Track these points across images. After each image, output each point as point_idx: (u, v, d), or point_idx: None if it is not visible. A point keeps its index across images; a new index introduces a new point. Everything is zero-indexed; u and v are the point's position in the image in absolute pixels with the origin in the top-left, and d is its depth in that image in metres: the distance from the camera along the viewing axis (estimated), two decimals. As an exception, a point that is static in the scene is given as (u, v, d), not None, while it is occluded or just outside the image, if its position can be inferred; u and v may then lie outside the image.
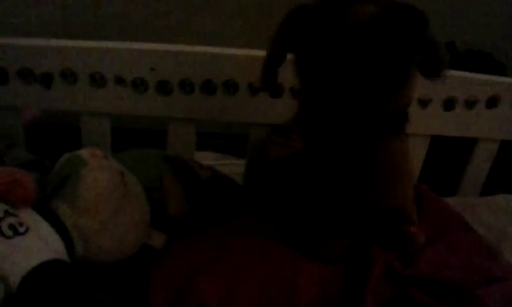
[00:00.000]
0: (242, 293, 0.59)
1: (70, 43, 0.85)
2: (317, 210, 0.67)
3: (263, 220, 0.73)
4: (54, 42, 0.84)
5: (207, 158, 1.23)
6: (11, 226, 0.54)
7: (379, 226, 0.68)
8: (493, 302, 0.56)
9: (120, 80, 0.86)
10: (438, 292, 0.59)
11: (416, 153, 1.02)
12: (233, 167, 1.12)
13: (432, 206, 0.78)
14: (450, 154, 1.13)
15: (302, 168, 0.69)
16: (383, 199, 0.63)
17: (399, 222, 0.68)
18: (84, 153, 0.63)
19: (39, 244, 0.55)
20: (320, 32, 0.53)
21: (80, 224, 0.60)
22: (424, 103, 0.96)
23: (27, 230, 0.55)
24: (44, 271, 0.54)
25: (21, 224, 0.55)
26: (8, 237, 0.53)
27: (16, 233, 0.54)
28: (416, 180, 0.99)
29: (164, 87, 0.88)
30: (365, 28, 0.50)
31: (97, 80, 0.85)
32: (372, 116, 0.56)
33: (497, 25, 1.68)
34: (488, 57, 1.59)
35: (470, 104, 0.99)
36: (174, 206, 0.74)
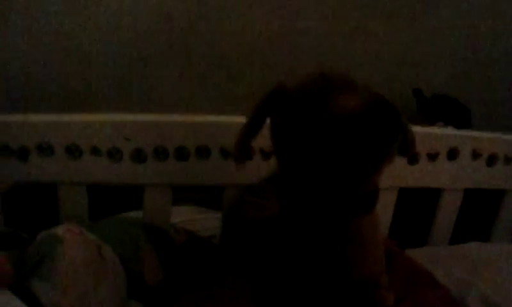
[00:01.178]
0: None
1: (44, 117, 0.87)
2: (293, 278, 0.69)
3: (240, 284, 0.74)
4: (29, 117, 0.87)
5: (183, 213, 1.24)
6: (-12, 310, 0.55)
7: (350, 292, 0.70)
8: None
9: (95, 151, 0.88)
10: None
11: (386, 206, 1.06)
12: (210, 221, 1.14)
13: (402, 266, 0.82)
14: (418, 206, 1.17)
15: (278, 235, 0.72)
16: (356, 269, 0.67)
17: (370, 287, 0.71)
18: (59, 230, 0.65)
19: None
20: (302, 119, 0.57)
21: (58, 302, 0.61)
22: (388, 158, 1.01)
23: (4, 313, 0.56)
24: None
25: (-3, 307, 0.56)
26: (-16, 321, 0.54)
27: (-7, 316, 0.55)
28: (387, 232, 1.02)
29: (138, 156, 0.90)
30: (349, 122, 0.54)
31: (73, 152, 0.87)
32: (346, 196, 0.60)
33: (462, 70, 1.77)
34: (454, 101, 1.67)
35: (432, 157, 1.04)
36: (150, 275, 0.75)
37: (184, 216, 1.08)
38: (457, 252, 0.98)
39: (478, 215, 1.19)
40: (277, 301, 0.69)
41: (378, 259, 0.71)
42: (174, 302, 0.72)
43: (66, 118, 0.87)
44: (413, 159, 1.03)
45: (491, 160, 1.09)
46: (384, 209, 1.06)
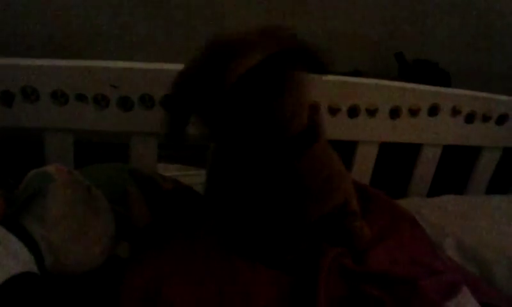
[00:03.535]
0: (205, 296, 0.62)
1: (30, 61, 0.86)
2: (264, 220, 0.72)
3: (222, 228, 0.76)
4: (13, 60, 0.86)
5: (169, 170, 1.26)
6: (-20, 242, 0.56)
7: (325, 224, 0.73)
8: (433, 292, 0.62)
9: (81, 97, 0.88)
10: (387, 285, 0.64)
11: (367, 159, 1.09)
12: (194, 177, 1.15)
13: (382, 206, 0.85)
14: (398, 159, 1.20)
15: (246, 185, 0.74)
16: (320, 206, 0.70)
17: (342, 216, 0.74)
18: (50, 169, 0.65)
19: (9, 257, 0.57)
20: (208, 92, 0.58)
21: (49, 238, 0.62)
22: (371, 112, 1.03)
23: (-4, 245, 0.57)
24: (14, 284, 0.56)
25: (-10, 240, 0.57)
26: (-24, 252, 0.55)
27: (-15, 248, 0.56)
28: (368, 184, 1.06)
29: (125, 103, 0.90)
30: (237, 85, 0.56)
31: (59, 98, 0.87)
32: (279, 141, 0.63)
33: (443, 35, 1.80)
34: (434, 66, 1.69)
35: (413, 112, 1.07)
36: (138, 217, 0.76)
37: (168, 173, 1.09)
38: (434, 203, 1.02)
39: (454, 169, 1.23)
40: (256, 245, 0.72)
41: (341, 185, 0.74)
42: (159, 243, 0.73)
43: (51, 62, 0.86)
44: (394, 114, 1.06)
45: (470, 118, 1.13)
46: (366, 162, 1.09)
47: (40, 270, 0.61)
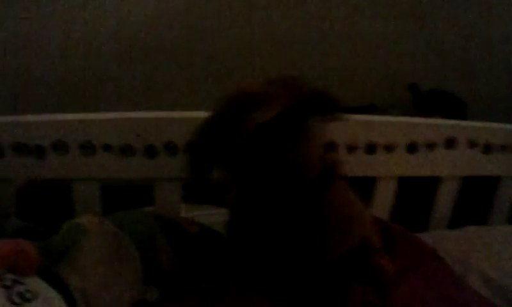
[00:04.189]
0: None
1: (59, 116, 0.91)
2: (286, 263, 0.74)
3: (246, 275, 0.78)
4: (44, 117, 0.91)
5: (191, 210, 1.28)
6: (19, 294, 0.59)
7: (350, 263, 0.75)
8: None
9: (108, 148, 0.92)
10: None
11: (386, 194, 1.10)
12: (216, 216, 1.17)
13: (405, 241, 0.86)
14: (418, 193, 1.21)
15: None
16: (341, 244, 0.72)
17: (365, 253, 0.75)
18: (84, 221, 0.68)
19: (46, 308, 0.60)
20: (227, 140, 0.62)
21: (83, 287, 0.64)
22: (389, 148, 1.05)
23: (34, 297, 0.59)
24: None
25: (28, 291, 0.60)
26: (17, 304, 0.58)
27: (25, 300, 0.59)
28: (389, 220, 1.07)
29: (149, 151, 0.94)
30: (255, 135, 0.60)
31: (87, 149, 0.91)
32: (296, 186, 0.65)
33: (457, 65, 1.82)
34: (450, 96, 1.70)
35: (430, 146, 1.08)
36: (167, 261, 0.79)
37: (190, 213, 1.11)
38: (457, 235, 1.02)
39: (475, 200, 1.23)
40: (274, 289, 0.73)
41: (361, 229, 0.76)
42: (188, 288, 0.75)
43: (80, 116, 0.91)
44: (412, 149, 1.08)
45: (487, 149, 1.13)
46: (385, 197, 1.10)
47: (74, 319, 0.64)
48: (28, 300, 0.59)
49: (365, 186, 1.04)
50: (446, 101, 1.71)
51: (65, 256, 0.65)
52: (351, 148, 1.03)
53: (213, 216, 1.18)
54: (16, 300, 0.58)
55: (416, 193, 1.19)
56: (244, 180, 0.67)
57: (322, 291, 0.73)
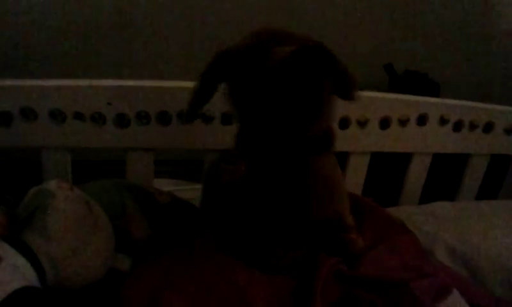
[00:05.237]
0: (204, 302, 0.64)
1: (28, 82, 0.89)
2: (263, 226, 0.74)
3: (219, 239, 0.78)
4: (11, 82, 0.88)
5: (165, 185, 1.27)
6: (-17, 259, 0.58)
7: (322, 236, 0.76)
8: (423, 294, 0.64)
9: (78, 116, 0.90)
10: (379, 289, 0.66)
11: (359, 169, 1.12)
12: (190, 192, 1.17)
13: (374, 215, 0.87)
14: (390, 169, 1.23)
15: (248, 189, 0.76)
16: (319, 209, 0.73)
17: (338, 230, 0.77)
18: (51, 185, 0.67)
19: (11, 273, 0.59)
20: (247, 70, 0.62)
21: (50, 252, 0.63)
22: (362, 123, 1.06)
23: (-1, 261, 0.58)
24: (16, 298, 0.57)
25: (-7, 256, 0.58)
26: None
27: (-11, 264, 0.57)
28: (360, 194, 1.08)
29: (121, 120, 0.93)
30: (280, 66, 0.59)
31: (57, 117, 0.89)
32: (297, 138, 0.66)
33: (432, 46, 1.84)
34: (424, 77, 1.73)
35: (403, 122, 1.10)
36: (137, 230, 0.78)
37: (165, 187, 1.11)
38: (426, 210, 1.04)
39: (445, 178, 1.26)
40: (254, 252, 0.74)
41: (341, 201, 0.77)
42: (159, 256, 0.75)
43: (49, 83, 0.89)
44: (385, 125, 1.09)
45: (458, 126, 1.16)
46: (358, 172, 1.12)
47: (41, 285, 0.63)
48: (-8, 265, 0.58)
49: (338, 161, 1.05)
50: (420, 82, 1.73)
51: (32, 221, 0.64)
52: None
53: (187, 192, 1.18)
54: (-20, 265, 0.57)
55: (388, 169, 1.21)
56: (248, 115, 0.67)
57: (295, 258, 0.74)
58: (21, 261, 0.62)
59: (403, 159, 1.17)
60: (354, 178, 1.12)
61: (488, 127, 1.18)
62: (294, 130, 0.65)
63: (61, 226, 0.64)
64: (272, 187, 0.72)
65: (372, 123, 1.08)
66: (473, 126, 1.17)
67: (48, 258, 0.64)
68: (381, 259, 0.75)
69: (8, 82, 0.88)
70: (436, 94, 1.67)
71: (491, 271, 0.83)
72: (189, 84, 0.93)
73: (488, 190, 1.27)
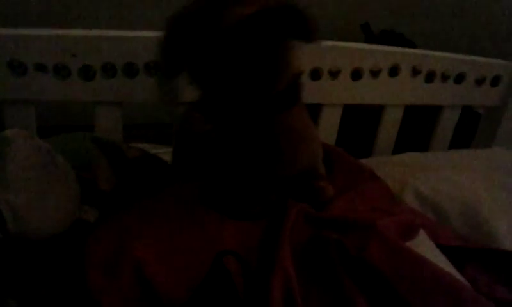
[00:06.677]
0: (173, 250, 0.64)
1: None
2: (235, 177, 0.74)
3: (189, 188, 0.78)
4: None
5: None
6: None
7: (292, 183, 0.75)
8: (389, 231, 0.65)
9: (40, 67, 0.87)
10: (347, 229, 0.67)
11: (331, 121, 1.11)
12: (163, 155, 1.15)
13: (343, 163, 0.88)
14: (363, 121, 1.23)
15: (219, 142, 0.75)
16: (292, 164, 0.72)
17: (309, 178, 0.76)
18: (9, 132, 0.65)
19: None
20: (201, 35, 0.60)
21: (10, 201, 0.62)
22: (333, 74, 1.05)
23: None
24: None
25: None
26: None
27: None
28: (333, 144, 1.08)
29: (86, 72, 0.90)
30: (236, 30, 0.58)
31: (16, 68, 0.86)
32: (261, 98, 0.65)
33: (408, 6, 1.83)
34: (400, 36, 1.73)
35: (375, 73, 1.09)
36: (103, 181, 0.77)
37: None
38: (397, 160, 1.05)
39: (418, 129, 1.27)
40: (225, 199, 0.73)
41: (313, 151, 0.77)
42: (126, 206, 0.74)
43: (6, 31, 0.85)
44: (356, 76, 1.08)
45: (430, 78, 1.16)
46: (330, 124, 1.11)
47: (3, 234, 0.61)
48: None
49: (310, 113, 1.05)
50: (396, 41, 1.73)
51: (-11, 169, 0.62)
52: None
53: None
54: None
55: (360, 121, 1.21)
56: (211, 82, 0.65)
57: (265, 205, 0.74)
58: (-20, 209, 0.60)
59: (375, 111, 1.17)
60: (327, 131, 1.11)
61: (459, 78, 1.18)
62: (256, 91, 0.64)
63: (20, 173, 0.63)
64: (242, 146, 0.71)
65: (344, 74, 1.07)
66: (444, 77, 1.17)
67: (8, 207, 0.62)
68: (349, 204, 0.75)
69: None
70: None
71: (458, 214, 0.84)
72: (156, 34, 0.92)
73: (460, 144, 1.28)
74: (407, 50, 1.15)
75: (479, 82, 1.21)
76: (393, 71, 1.11)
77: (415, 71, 1.13)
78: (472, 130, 1.34)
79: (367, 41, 1.73)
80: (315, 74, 1.04)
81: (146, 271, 0.60)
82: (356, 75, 1.08)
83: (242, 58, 0.60)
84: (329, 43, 1.05)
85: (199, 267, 0.60)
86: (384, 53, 1.10)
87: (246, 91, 0.63)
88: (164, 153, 1.22)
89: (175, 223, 0.69)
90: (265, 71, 0.63)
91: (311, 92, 1.05)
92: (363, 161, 1.00)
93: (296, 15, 0.61)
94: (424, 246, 0.68)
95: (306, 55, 1.02)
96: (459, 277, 0.65)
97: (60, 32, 0.87)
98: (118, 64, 0.91)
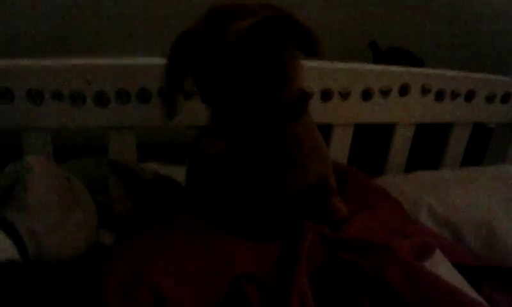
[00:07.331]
0: (188, 272, 0.64)
1: (3, 61, 0.87)
2: (248, 197, 0.74)
3: (204, 211, 0.78)
4: (-13, 63, 0.86)
5: (151, 167, 1.26)
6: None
7: (307, 202, 0.76)
8: (405, 252, 0.64)
9: (57, 95, 0.89)
10: (362, 250, 0.67)
11: (343, 141, 1.12)
12: (176, 175, 1.16)
13: (357, 182, 0.88)
14: (374, 140, 1.24)
15: (230, 161, 0.76)
16: (303, 170, 0.73)
17: (323, 191, 0.77)
18: (29, 159, 0.66)
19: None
20: (207, 52, 0.62)
21: (30, 227, 0.63)
22: (344, 95, 1.06)
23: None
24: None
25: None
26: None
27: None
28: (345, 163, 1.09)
29: (101, 99, 0.92)
30: (237, 44, 0.59)
31: (34, 97, 0.88)
32: (269, 107, 0.66)
33: (416, 24, 1.85)
34: (408, 54, 1.74)
35: (385, 93, 1.10)
36: (119, 204, 0.78)
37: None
38: (410, 178, 1.05)
39: (429, 147, 1.27)
40: (240, 222, 0.74)
41: (321, 165, 0.78)
42: (142, 229, 0.75)
43: (25, 62, 0.87)
44: (366, 96, 1.09)
45: (439, 96, 1.16)
46: (341, 144, 1.12)
47: (24, 260, 0.62)
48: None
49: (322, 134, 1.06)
50: (404, 58, 1.74)
51: (10, 196, 0.63)
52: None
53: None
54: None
55: (372, 140, 1.21)
56: (217, 95, 0.66)
57: (280, 226, 0.74)
58: (1, 236, 0.61)
59: (387, 130, 1.17)
60: (339, 150, 1.12)
61: (470, 96, 1.19)
62: (264, 101, 0.65)
63: (40, 200, 0.64)
64: (253, 159, 0.72)
65: (354, 95, 1.08)
66: (454, 96, 1.18)
67: (29, 233, 0.63)
68: (364, 224, 0.75)
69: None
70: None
71: (473, 232, 0.84)
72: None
73: (472, 160, 1.28)
74: (416, 69, 1.16)
75: (490, 99, 1.21)
76: (403, 90, 1.12)
77: (425, 90, 1.14)
78: (484, 145, 1.33)
79: (374, 58, 1.74)
80: (326, 95, 1.05)
81: (163, 295, 0.60)
82: (367, 95, 1.09)
83: (246, 69, 0.62)
84: (339, 64, 1.06)
85: (216, 289, 0.60)
86: (393, 73, 1.10)
87: (253, 101, 0.65)
88: (178, 173, 1.24)
89: (191, 247, 0.69)
90: (269, 79, 0.64)
91: (322, 113, 1.06)
92: (376, 180, 1.01)
93: (294, 24, 0.62)
94: (440, 266, 0.67)
95: (316, 77, 1.03)
96: (476, 296, 0.65)
97: (75, 61, 0.90)
98: (131, 90, 0.93)
